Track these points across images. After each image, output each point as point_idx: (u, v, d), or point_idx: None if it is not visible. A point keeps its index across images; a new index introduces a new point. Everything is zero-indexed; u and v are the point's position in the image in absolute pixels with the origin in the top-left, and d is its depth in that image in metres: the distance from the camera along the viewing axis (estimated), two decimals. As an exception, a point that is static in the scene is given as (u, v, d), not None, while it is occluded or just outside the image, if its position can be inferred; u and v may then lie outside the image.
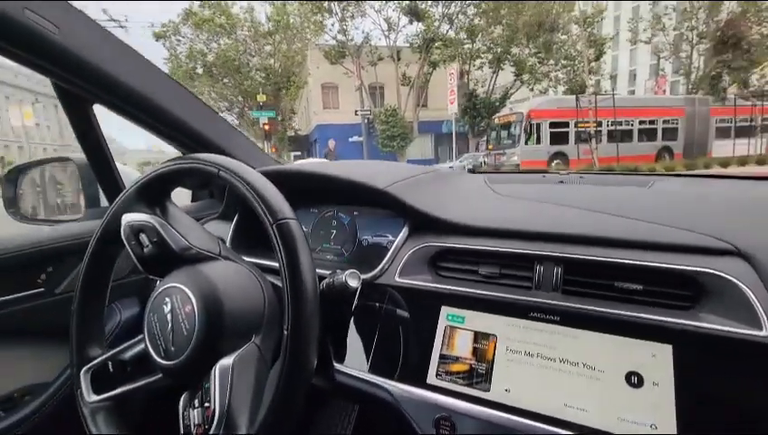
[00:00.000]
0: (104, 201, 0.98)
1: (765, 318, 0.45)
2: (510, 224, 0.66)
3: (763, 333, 0.45)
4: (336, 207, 0.87)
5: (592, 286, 0.56)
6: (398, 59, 18.59)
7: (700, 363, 0.46)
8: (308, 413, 0.98)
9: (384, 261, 0.70)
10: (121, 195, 0.61)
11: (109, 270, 0.65)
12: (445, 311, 0.62)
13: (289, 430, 0.47)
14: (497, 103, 18.58)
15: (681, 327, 0.48)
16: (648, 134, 13.52)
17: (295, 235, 0.50)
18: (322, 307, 0.60)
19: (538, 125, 12.35)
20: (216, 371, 0.48)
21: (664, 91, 22.19)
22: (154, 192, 0.60)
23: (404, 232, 0.73)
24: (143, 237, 0.56)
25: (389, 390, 0.61)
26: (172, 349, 0.50)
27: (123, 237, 0.57)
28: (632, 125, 13.25)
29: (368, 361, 0.65)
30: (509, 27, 17.58)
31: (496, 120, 14.17)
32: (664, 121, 13.57)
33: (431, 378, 0.58)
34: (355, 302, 0.67)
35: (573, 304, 0.55)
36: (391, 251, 0.71)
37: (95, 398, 0.59)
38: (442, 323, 0.61)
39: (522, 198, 0.79)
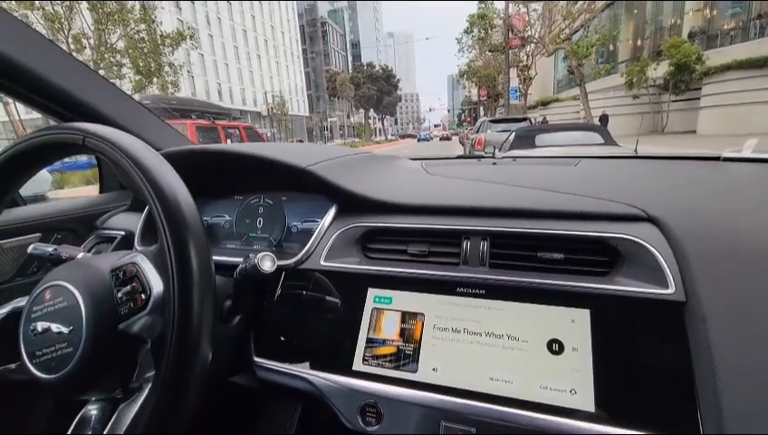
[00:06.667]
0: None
1: (671, 277, 0.47)
2: (438, 200, 0.64)
3: (669, 291, 0.46)
4: (262, 193, 0.79)
5: (517, 258, 0.56)
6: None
7: (615, 325, 0.47)
8: (240, 415, 0.90)
9: (308, 245, 0.65)
10: None
11: None
12: (372, 293, 0.59)
13: (183, 419, 0.40)
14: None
15: (598, 292, 0.49)
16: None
17: (183, 208, 0.42)
18: (239, 298, 0.56)
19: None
20: None
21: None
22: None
23: (331, 214, 0.68)
24: None
25: (312, 380, 0.56)
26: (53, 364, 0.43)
27: None
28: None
29: (292, 352, 0.60)
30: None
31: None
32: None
33: (357, 364, 0.55)
34: (278, 290, 0.63)
35: (498, 277, 0.54)
36: (316, 234, 0.66)
37: None
38: (369, 306, 0.58)
39: (453, 177, 0.79)
